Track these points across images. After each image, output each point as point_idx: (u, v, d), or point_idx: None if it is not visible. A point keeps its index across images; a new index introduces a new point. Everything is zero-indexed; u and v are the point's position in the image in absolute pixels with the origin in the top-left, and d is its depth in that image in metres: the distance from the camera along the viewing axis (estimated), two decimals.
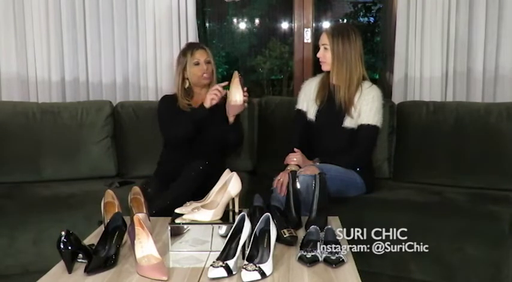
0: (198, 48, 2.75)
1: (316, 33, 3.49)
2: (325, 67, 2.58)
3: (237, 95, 2.52)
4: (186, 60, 2.72)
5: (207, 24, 4.39)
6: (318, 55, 2.59)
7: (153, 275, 1.57)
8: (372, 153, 2.70)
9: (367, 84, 2.57)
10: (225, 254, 1.63)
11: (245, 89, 2.54)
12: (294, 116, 2.73)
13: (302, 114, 2.68)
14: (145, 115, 3.00)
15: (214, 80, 2.78)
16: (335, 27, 2.74)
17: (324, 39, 2.55)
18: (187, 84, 2.75)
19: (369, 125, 2.52)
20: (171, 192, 2.39)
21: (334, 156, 2.49)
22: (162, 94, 3.04)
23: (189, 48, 2.75)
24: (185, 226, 1.79)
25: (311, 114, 2.65)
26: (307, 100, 2.68)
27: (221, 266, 1.56)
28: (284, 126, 2.90)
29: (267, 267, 1.57)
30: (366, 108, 2.52)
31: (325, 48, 2.54)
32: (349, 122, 2.55)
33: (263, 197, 2.10)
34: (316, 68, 3.11)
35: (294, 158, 2.46)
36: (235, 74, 2.53)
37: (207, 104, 2.56)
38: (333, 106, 2.58)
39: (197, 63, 2.71)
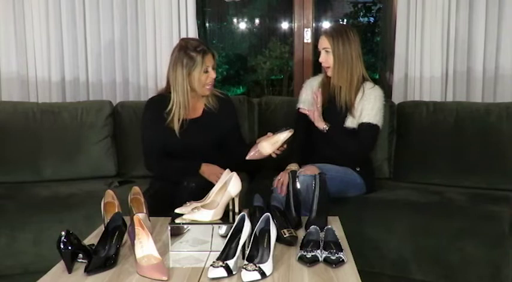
0: (208, 53, 2.40)
1: (316, 33, 3.49)
2: (330, 72, 2.54)
3: (269, 147, 2.26)
4: (194, 65, 2.36)
5: (207, 24, 4.38)
6: (321, 60, 2.55)
7: (153, 275, 1.57)
8: (371, 152, 2.70)
9: (369, 85, 2.56)
10: (225, 254, 1.63)
11: (284, 146, 2.29)
12: (295, 115, 2.72)
13: (303, 113, 2.67)
14: None
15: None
16: (333, 29, 2.65)
17: (325, 43, 2.51)
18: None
19: (369, 123, 2.50)
20: None
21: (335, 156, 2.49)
22: None
23: (198, 52, 2.37)
24: (185, 226, 1.79)
25: None
26: (309, 99, 2.67)
27: (221, 266, 1.56)
28: (284, 126, 2.89)
29: (267, 267, 1.57)
30: (368, 107, 2.51)
31: (327, 52, 2.51)
32: (350, 122, 2.54)
33: (263, 197, 2.10)
34: (316, 68, 3.11)
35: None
36: (290, 131, 2.27)
37: (207, 177, 2.35)
38: (334, 106, 2.57)
39: (206, 71, 2.40)
